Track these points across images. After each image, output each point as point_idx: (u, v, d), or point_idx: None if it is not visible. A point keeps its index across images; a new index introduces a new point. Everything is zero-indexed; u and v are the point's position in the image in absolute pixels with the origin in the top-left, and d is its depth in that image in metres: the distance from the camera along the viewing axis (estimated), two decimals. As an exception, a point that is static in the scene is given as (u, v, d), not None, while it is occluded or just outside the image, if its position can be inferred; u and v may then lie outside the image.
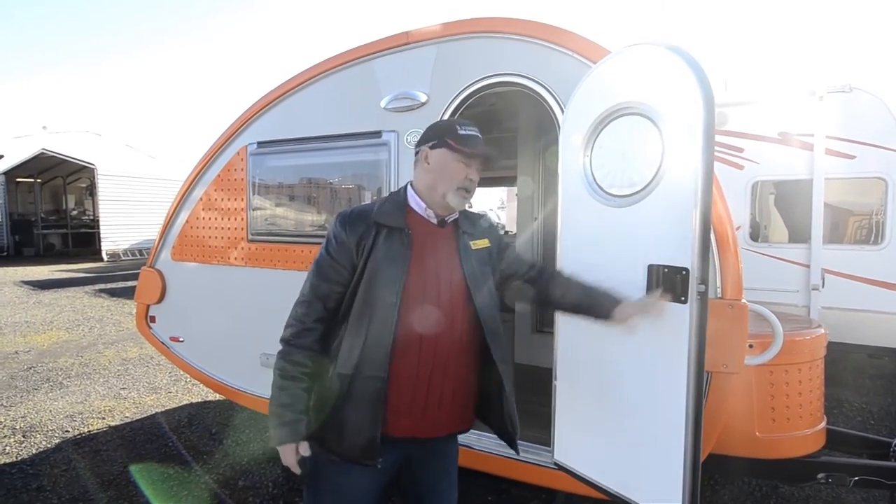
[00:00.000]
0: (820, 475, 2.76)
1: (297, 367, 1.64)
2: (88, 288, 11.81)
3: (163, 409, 4.65)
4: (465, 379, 1.74)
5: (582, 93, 2.22)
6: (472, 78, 2.61)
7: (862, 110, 4.68)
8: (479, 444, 2.68)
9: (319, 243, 3.11)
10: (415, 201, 1.72)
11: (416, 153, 1.76)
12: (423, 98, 2.73)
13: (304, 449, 1.59)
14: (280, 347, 1.68)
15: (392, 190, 2.81)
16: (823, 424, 2.85)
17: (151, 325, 3.97)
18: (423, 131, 2.70)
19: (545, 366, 4.18)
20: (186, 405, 4.76)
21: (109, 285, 12.25)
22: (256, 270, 3.38)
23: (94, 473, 3.49)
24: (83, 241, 19.95)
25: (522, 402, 3.48)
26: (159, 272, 3.86)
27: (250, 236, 3.39)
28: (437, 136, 1.70)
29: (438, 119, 2.70)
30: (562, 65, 2.37)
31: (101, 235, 17.39)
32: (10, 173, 18.44)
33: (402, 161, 2.82)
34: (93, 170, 17.08)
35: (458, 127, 1.69)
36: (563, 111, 2.39)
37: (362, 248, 1.63)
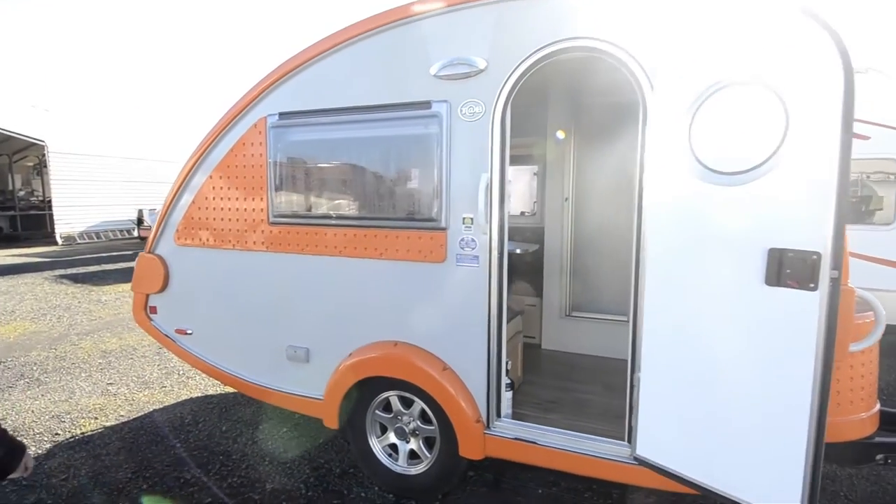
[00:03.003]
0: (878, 456, 2.74)
1: None
2: (47, 273, 11.00)
3: (160, 406, 4.29)
4: None
5: (682, 60, 2.02)
6: (541, 42, 2.36)
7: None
8: (545, 439, 2.51)
9: (356, 226, 2.91)
10: None
11: None
12: (482, 64, 2.46)
13: None
14: None
15: (444, 167, 2.56)
16: (878, 406, 2.82)
17: (152, 316, 3.60)
18: (480, 101, 2.53)
19: (575, 351, 4.06)
20: (186, 401, 4.41)
21: (70, 270, 11.45)
22: (280, 256, 3.07)
23: (98, 482, 3.15)
24: (33, 223, 18.64)
25: (565, 391, 3.38)
26: (160, 258, 3.49)
27: (272, 218, 3.06)
28: None
29: (498, 88, 2.45)
30: (653, 28, 2.16)
31: (55, 217, 16.23)
32: (-53, 150, 16.93)
33: (454, 135, 2.56)
34: (42, 147, 15.84)
35: None
36: (649, 80, 2.18)
37: None
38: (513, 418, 2.70)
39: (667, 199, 2.10)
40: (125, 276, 10.81)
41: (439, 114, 2.57)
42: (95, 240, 17.34)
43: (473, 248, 2.57)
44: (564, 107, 3.97)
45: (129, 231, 18.57)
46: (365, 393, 2.93)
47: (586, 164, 4.01)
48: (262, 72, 3.08)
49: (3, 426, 1.55)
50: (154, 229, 3.53)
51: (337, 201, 2.94)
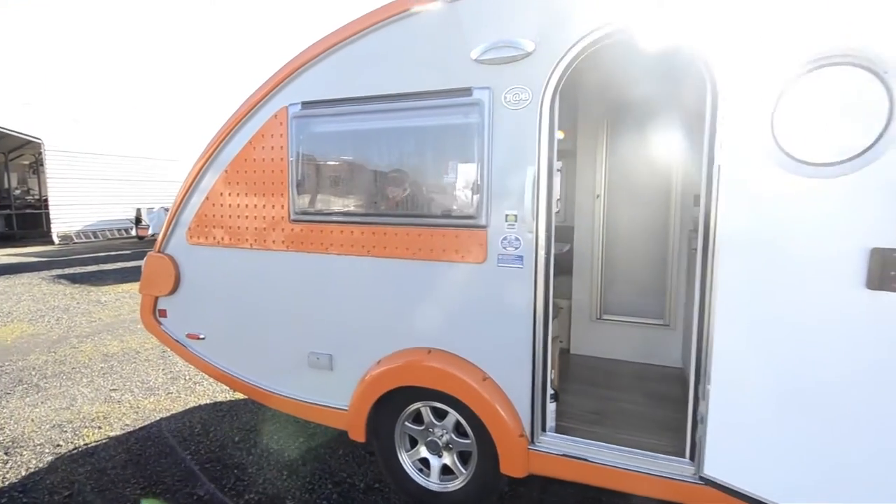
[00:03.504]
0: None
1: None
2: (44, 273, 10.74)
3: (167, 414, 4.07)
4: None
5: (759, 42, 1.82)
6: (596, 24, 2.15)
7: None
8: (597, 455, 2.31)
9: (386, 224, 2.69)
10: None
11: None
12: (529, 47, 2.26)
13: None
14: None
15: (485, 160, 2.36)
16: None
17: (161, 319, 3.39)
18: (527, 87, 2.33)
19: (606, 356, 3.86)
20: (194, 408, 4.20)
21: (67, 270, 11.19)
22: (301, 255, 2.86)
23: (104, 499, 2.93)
24: (29, 222, 18.34)
25: (605, 400, 3.16)
26: (171, 258, 3.27)
27: (293, 216, 2.85)
28: None
29: (547, 73, 2.25)
30: (729, 9, 1.96)
31: (51, 216, 15.95)
32: (-58, 148, 16.63)
33: (496, 125, 2.35)
34: (39, 145, 15.56)
35: None
36: (721, 63, 1.98)
37: None
38: (556, 432, 2.50)
39: (743, 194, 1.90)
40: (124, 276, 10.57)
41: (480, 101, 2.36)
42: (93, 239, 17.06)
43: (517, 248, 2.37)
44: (597, 97, 3.77)
45: (126, 230, 18.30)
46: (394, 403, 2.72)
47: (619, 159, 3.81)
48: (266, 69, 2.87)
49: None
50: (164, 227, 3.32)
51: (365, 197, 2.73)
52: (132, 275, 10.65)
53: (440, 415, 2.69)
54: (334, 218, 2.77)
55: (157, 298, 3.38)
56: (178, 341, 3.34)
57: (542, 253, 2.33)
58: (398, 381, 2.61)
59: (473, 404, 2.46)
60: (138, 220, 17.27)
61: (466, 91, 2.39)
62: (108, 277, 10.43)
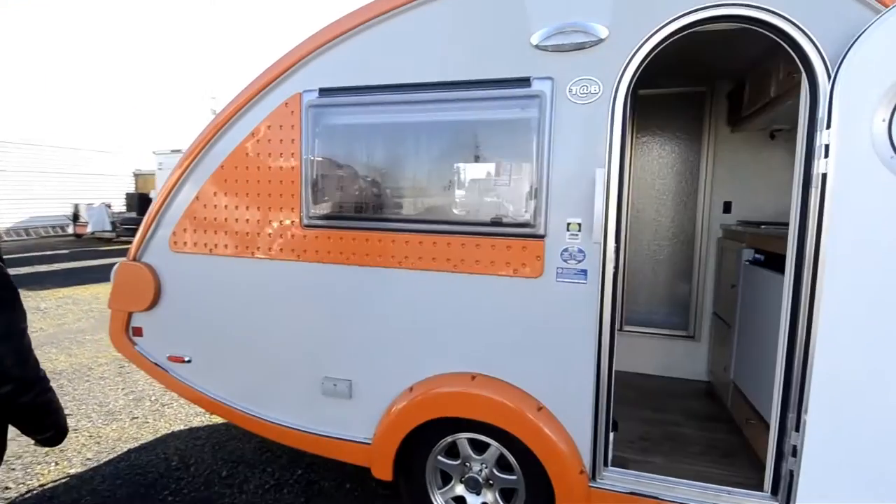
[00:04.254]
0: None
1: None
2: (-31, 277, 9.56)
3: (135, 444, 3.55)
4: None
5: (882, 42, 1.62)
6: (683, 7, 1.91)
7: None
8: (671, 492, 2.07)
9: (422, 232, 2.33)
10: None
11: None
12: (602, 33, 1.99)
13: None
14: None
15: (544, 161, 2.06)
16: None
17: (136, 339, 2.90)
18: (597, 79, 2.05)
19: (629, 370, 3.66)
20: (166, 435, 3.68)
21: None
22: (316, 267, 2.47)
23: (72, 558, 2.44)
24: (-53, 218, 16.52)
25: (648, 423, 2.85)
26: (150, 267, 2.80)
27: (307, 220, 2.46)
28: None
29: (622, 64, 1.98)
30: (840, 6, 1.76)
31: (-25, 212, 14.42)
32: None
33: (559, 121, 2.06)
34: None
35: None
36: (825, 63, 1.78)
37: None
38: (612, 464, 2.25)
39: (856, 205, 1.70)
40: (65, 279, 9.60)
41: (541, 93, 2.07)
42: (25, 237, 15.57)
43: (580, 261, 2.09)
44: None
45: (62, 227, 16.84)
46: (426, 436, 2.38)
47: (645, 164, 3.62)
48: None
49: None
50: (140, 232, 2.83)
51: (397, 200, 2.38)
52: (74, 277, 9.69)
53: (479, 446, 2.38)
54: (357, 224, 2.40)
55: (130, 315, 2.89)
56: (157, 365, 2.86)
57: (610, 267, 2.06)
58: (437, 412, 2.28)
59: (527, 437, 2.16)
60: (76, 217, 15.91)
61: (524, 81, 2.09)
62: (47, 281, 9.44)
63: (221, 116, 2.59)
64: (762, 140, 3.32)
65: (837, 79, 1.71)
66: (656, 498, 2.08)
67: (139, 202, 15.35)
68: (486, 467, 2.38)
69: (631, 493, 2.12)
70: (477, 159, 2.26)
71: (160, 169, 14.59)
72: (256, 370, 2.65)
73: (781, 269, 2.01)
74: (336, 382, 2.49)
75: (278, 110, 2.47)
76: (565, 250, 2.10)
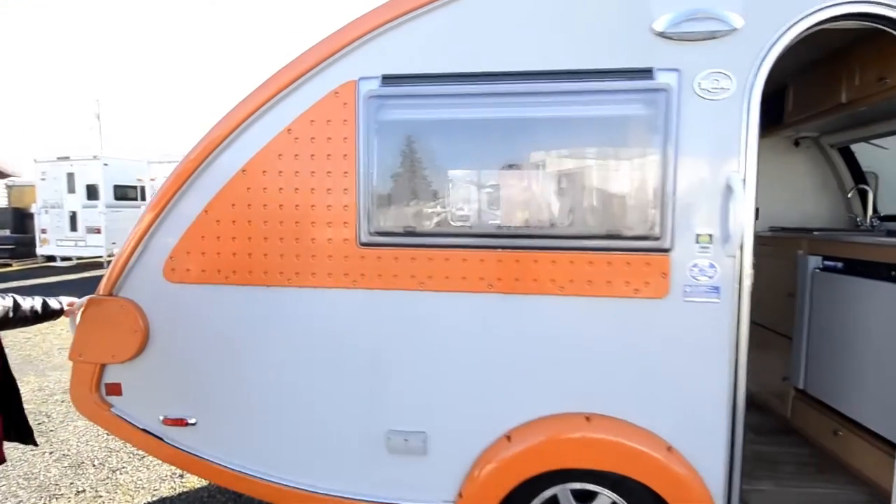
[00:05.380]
0: None
1: None
2: None
3: (90, 530, 2.76)
4: None
5: None
6: (821, 2, 1.74)
7: None
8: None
9: (520, 249, 1.88)
10: None
11: None
12: (737, 22, 1.77)
13: None
14: None
15: (669, 164, 1.81)
16: None
17: (111, 399, 2.21)
18: (729, 72, 1.83)
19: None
20: (129, 513, 2.91)
21: None
22: (378, 294, 2.00)
23: None
24: None
25: None
26: (134, 304, 2.14)
27: (365, 237, 1.98)
28: None
29: (759, 56, 1.78)
30: None
31: None
32: None
33: (685, 118, 1.81)
34: None
35: None
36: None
37: None
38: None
39: None
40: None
41: (666, 87, 1.80)
42: None
43: (712, 277, 1.84)
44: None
45: None
46: (526, 491, 2.00)
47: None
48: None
49: None
50: (118, 260, 2.16)
51: (486, 212, 1.98)
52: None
53: (583, 496, 2.04)
54: (433, 240, 1.97)
55: (103, 368, 2.20)
56: (144, 430, 2.20)
57: (746, 283, 1.84)
58: (548, 464, 1.90)
59: (660, 485, 1.86)
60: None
61: (646, 73, 1.82)
62: None
63: (239, 112, 2.04)
64: (786, 147, 3.34)
65: None
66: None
67: (14, 218, 13.12)
68: (591, 520, 2.04)
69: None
70: (588, 161, 1.94)
71: (43, 179, 12.57)
72: (296, 429, 2.10)
73: (869, 276, 1.91)
74: (407, 436, 2.03)
75: (325, 101, 1.98)
76: (695, 266, 1.84)
